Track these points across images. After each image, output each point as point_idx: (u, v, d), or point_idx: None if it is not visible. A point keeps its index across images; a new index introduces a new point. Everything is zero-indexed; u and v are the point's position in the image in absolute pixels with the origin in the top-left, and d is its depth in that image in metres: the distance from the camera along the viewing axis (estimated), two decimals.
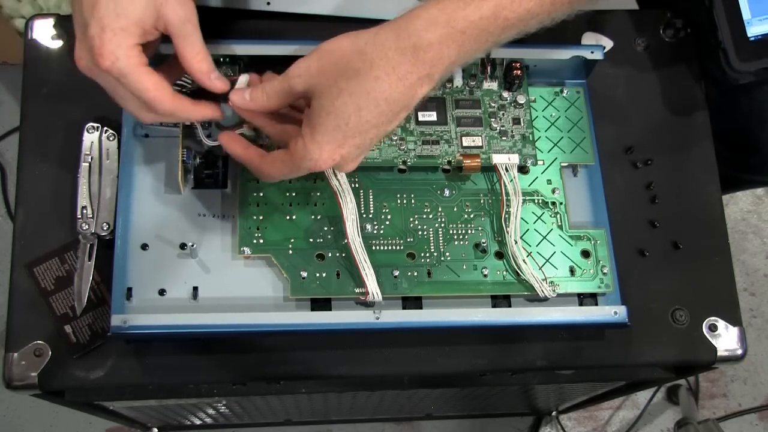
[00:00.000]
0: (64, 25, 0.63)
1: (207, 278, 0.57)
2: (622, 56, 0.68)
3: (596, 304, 0.60)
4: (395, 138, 0.60)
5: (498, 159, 0.60)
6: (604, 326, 0.59)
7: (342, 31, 0.48)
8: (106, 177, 0.58)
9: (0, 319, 0.62)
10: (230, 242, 0.58)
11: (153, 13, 0.48)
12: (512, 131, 0.62)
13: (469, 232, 0.60)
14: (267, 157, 0.52)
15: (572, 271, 0.60)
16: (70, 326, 0.57)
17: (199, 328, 0.54)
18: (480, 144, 0.61)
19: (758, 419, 1.30)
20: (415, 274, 0.58)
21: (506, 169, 0.60)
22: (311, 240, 0.58)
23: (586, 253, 0.60)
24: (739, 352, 0.61)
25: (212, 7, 0.64)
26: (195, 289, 0.56)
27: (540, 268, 0.59)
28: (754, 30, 0.60)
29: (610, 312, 0.58)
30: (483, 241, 0.59)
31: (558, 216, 0.61)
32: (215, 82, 0.52)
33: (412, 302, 0.58)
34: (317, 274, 0.57)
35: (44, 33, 0.63)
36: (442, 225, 0.59)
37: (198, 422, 1.06)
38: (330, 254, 0.57)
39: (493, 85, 0.63)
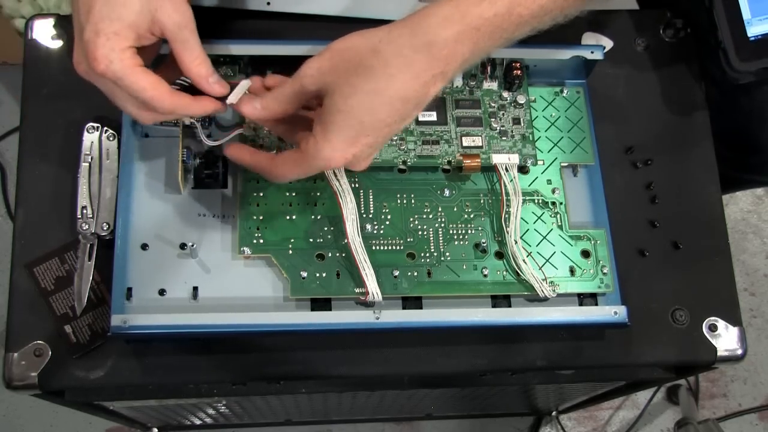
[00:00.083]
0: (64, 25, 0.63)
1: (207, 278, 0.57)
2: (622, 56, 0.68)
3: (596, 304, 0.60)
4: (395, 138, 0.60)
5: (498, 159, 0.60)
6: (604, 326, 0.59)
7: (342, 31, 0.48)
8: (106, 177, 0.58)
9: (0, 319, 0.62)
10: (230, 242, 0.58)
11: (147, 18, 0.48)
12: (512, 131, 0.62)
13: (469, 232, 0.60)
14: (277, 159, 0.52)
15: (572, 271, 0.60)
16: (70, 326, 0.57)
17: (199, 328, 0.54)
18: (480, 144, 0.61)
19: (758, 419, 1.30)
20: (415, 274, 0.58)
21: (506, 169, 0.60)
22: (311, 240, 0.57)
23: (586, 253, 0.60)
24: (739, 352, 0.61)
25: (212, 8, 0.64)
26: (195, 289, 0.56)
27: (540, 268, 0.59)
28: (754, 30, 0.60)
29: (610, 312, 0.58)
30: (483, 241, 0.59)
31: (558, 216, 0.61)
32: (214, 85, 0.52)
33: (412, 302, 0.58)
34: (317, 274, 0.57)
35: (44, 33, 0.63)
36: (442, 225, 0.59)
37: (198, 422, 1.06)
38: (330, 254, 0.57)
39: (493, 85, 0.63)
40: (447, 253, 0.59)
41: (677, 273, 0.63)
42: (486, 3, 0.46)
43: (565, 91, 0.64)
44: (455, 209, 0.60)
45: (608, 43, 0.68)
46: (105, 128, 0.59)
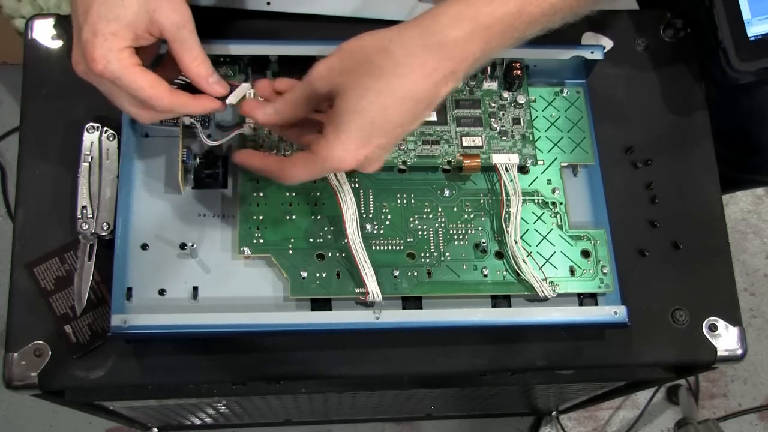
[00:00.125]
0: (64, 25, 0.63)
1: (207, 278, 0.57)
2: (622, 56, 0.68)
3: (596, 304, 0.60)
4: None
5: (498, 159, 0.60)
6: (604, 326, 0.59)
7: (343, 31, 0.48)
8: (106, 177, 0.58)
9: (0, 319, 0.62)
10: (230, 242, 0.58)
11: (145, 19, 0.48)
12: (512, 131, 0.62)
13: (469, 232, 0.60)
14: (288, 161, 0.51)
15: (572, 271, 0.59)
16: (70, 326, 0.57)
17: (199, 328, 0.54)
18: (480, 144, 0.61)
19: (758, 419, 1.30)
20: (415, 274, 0.58)
21: (506, 169, 0.60)
22: (311, 240, 0.57)
23: (586, 253, 0.60)
24: (739, 352, 0.61)
25: (212, 8, 0.64)
26: (195, 289, 0.56)
27: (540, 268, 0.59)
28: (754, 30, 0.60)
29: (610, 312, 0.58)
30: (483, 241, 0.59)
31: (558, 216, 0.61)
32: (214, 85, 0.52)
33: (412, 302, 0.58)
34: (317, 274, 0.57)
35: (44, 33, 0.63)
36: (442, 225, 0.59)
37: (198, 422, 1.06)
38: (330, 254, 0.57)
39: (493, 85, 0.63)
40: (447, 253, 0.59)
41: (677, 273, 0.63)
42: (497, 2, 0.46)
43: (565, 91, 0.64)
44: (455, 209, 0.60)
45: (608, 43, 0.68)
46: (105, 128, 0.59)
